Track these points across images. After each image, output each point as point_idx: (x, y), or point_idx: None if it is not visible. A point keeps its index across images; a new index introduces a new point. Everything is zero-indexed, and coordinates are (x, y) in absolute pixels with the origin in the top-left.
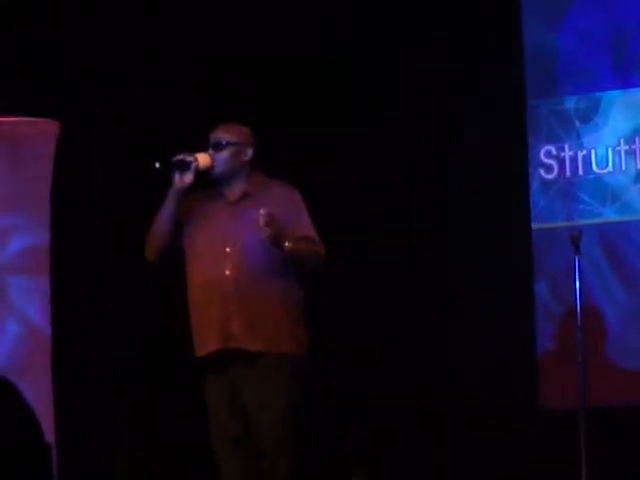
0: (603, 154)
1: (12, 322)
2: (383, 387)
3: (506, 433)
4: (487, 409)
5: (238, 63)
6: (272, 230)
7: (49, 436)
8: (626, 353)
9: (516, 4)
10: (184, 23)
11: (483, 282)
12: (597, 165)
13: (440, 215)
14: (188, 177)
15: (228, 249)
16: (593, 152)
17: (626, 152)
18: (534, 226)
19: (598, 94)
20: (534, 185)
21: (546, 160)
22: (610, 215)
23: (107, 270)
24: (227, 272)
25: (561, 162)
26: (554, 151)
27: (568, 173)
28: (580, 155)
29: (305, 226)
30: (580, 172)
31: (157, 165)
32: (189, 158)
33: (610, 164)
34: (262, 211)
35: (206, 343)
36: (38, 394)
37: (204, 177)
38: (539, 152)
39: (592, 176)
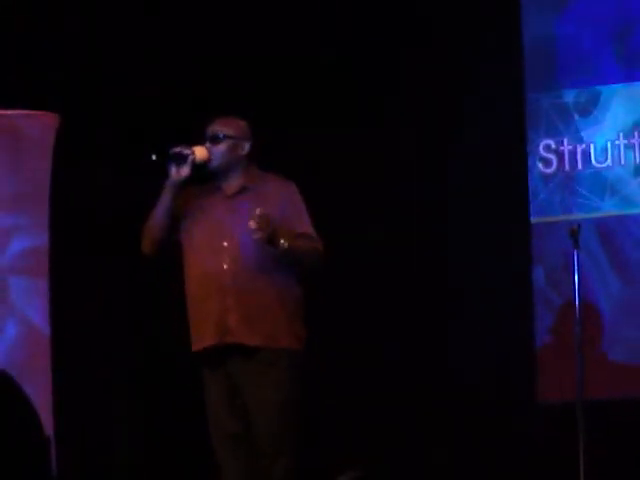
0: (602, 148)
1: (12, 322)
2: (383, 387)
3: (506, 430)
4: (486, 407)
5: (238, 63)
6: (265, 232)
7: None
8: (621, 347)
9: None
10: (184, 22)
11: (483, 276)
12: (596, 159)
13: (440, 209)
14: (185, 170)
15: (225, 243)
16: (592, 146)
17: (625, 146)
18: (533, 220)
19: (598, 87)
20: (533, 179)
21: (545, 154)
22: (609, 209)
23: (107, 270)
24: (225, 266)
25: (560, 156)
26: (553, 145)
27: (567, 167)
28: (579, 149)
29: (303, 222)
30: (579, 166)
31: (154, 157)
32: (186, 151)
33: (609, 158)
34: (257, 211)
35: (203, 337)
36: (37, 395)
37: (201, 170)
38: (538, 146)
39: (591, 170)
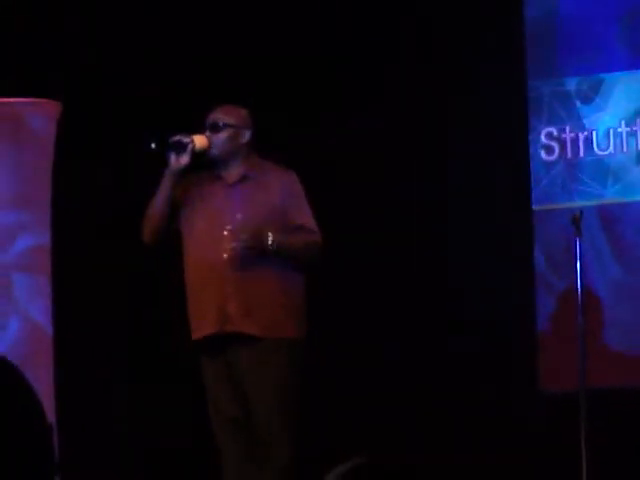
0: (604, 135)
1: (15, 319)
2: (384, 376)
3: (507, 420)
4: (488, 396)
5: (238, 62)
6: (240, 247)
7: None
8: (621, 334)
9: None
10: (184, 21)
11: (485, 267)
12: (598, 146)
13: (443, 195)
14: (184, 158)
15: (225, 232)
16: (594, 133)
17: (627, 133)
18: (535, 207)
19: (600, 75)
20: (535, 166)
21: (547, 141)
22: (611, 196)
23: (107, 270)
24: (224, 255)
25: (562, 144)
26: (555, 133)
27: (569, 154)
28: (581, 136)
29: (303, 213)
30: (581, 153)
31: (153, 146)
32: (186, 139)
33: (611, 145)
34: (225, 232)
35: (203, 326)
36: (40, 390)
37: (201, 159)
38: (540, 133)
39: (593, 157)
